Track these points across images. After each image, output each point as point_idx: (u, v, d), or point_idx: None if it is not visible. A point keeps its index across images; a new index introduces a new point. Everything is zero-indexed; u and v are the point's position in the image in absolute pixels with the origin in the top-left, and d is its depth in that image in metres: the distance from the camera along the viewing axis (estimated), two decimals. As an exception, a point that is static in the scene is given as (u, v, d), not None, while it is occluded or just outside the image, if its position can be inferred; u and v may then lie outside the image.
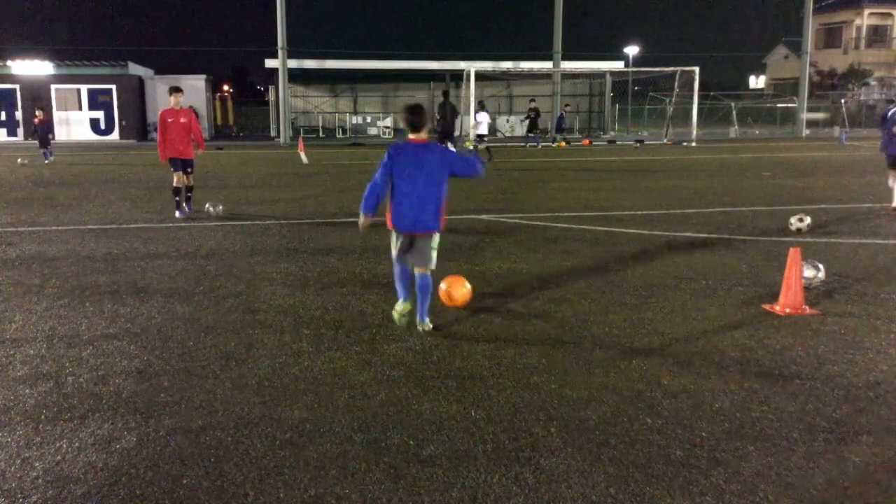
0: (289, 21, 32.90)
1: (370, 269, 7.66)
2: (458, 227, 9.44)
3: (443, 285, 6.01)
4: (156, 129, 38.47)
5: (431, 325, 5.54)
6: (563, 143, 31.34)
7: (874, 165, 20.51)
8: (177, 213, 11.36)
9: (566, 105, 35.52)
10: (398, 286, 5.60)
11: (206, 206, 11.55)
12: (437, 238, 5.49)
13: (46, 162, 22.29)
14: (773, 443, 3.74)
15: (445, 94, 20.44)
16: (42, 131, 23.03)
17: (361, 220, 5.59)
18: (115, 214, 11.66)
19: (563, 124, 32.76)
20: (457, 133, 29.49)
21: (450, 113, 19.12)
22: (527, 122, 29.79)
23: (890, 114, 11.65)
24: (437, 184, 5.33)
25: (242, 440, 3.78)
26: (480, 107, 25.51)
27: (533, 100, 30.68)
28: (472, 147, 12.79)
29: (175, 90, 11.51)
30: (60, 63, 36.20)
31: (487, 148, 22.94)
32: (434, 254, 5.48)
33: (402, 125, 5.60)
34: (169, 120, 11.40)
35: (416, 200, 5.31)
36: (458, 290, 6.00)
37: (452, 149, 22.74)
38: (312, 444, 3.73)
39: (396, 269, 5.61)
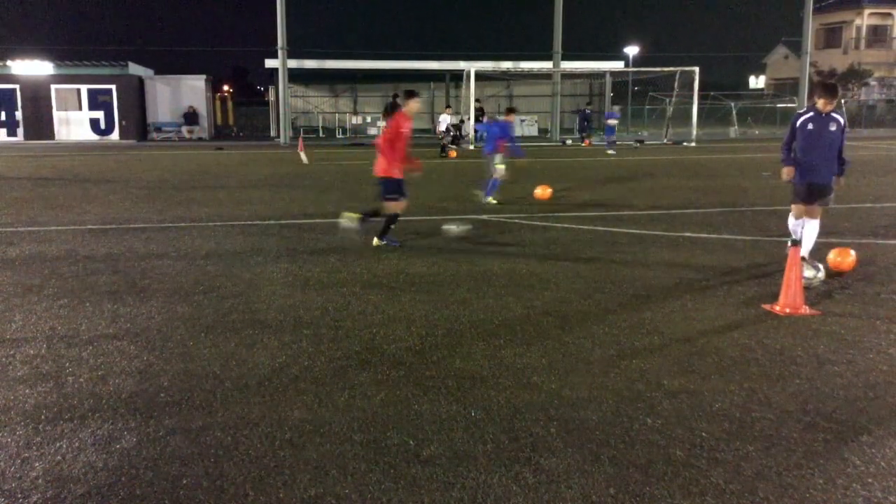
0: (289, 21, 32.87)
1: (370, 269, 7.66)
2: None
3: (831, 255, 7.43)
4: (157, 130, 38.13)
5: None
6: (588, 142, 31.43)
7: (874, 165, 20.50)
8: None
9: (589, 104, 35.70)
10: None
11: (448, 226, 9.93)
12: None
13: None
14: (773, 443, 3.74)
15: (395, 96, 24.64)
16: None
17: None
18: (115, 214, 11.66)
19: (588, 123, 32.93)
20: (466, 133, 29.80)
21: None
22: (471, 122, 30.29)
23: None
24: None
25: (242, 440, 3.78)
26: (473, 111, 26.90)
27: (478, 100, 31.29)
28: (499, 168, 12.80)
29: (413, 94, 9.02)
30: (60, 63, 36.17)
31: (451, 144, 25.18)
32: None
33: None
34: (404, 130, 8.86)
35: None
36: (845, 258, 7.42)
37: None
38: (312, 444, 3.73)
39: None
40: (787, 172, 7.69)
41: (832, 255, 7.49)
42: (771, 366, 4.84)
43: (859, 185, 15.19)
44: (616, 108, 31.25)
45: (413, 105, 8.87)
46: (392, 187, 8.73)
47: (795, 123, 7.64)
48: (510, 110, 13.62)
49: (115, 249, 8.79)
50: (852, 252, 7.46)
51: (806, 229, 7.58)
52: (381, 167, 8.76)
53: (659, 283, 7.01)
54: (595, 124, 34.83)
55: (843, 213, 11.24)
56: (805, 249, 7.37)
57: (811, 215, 7.58)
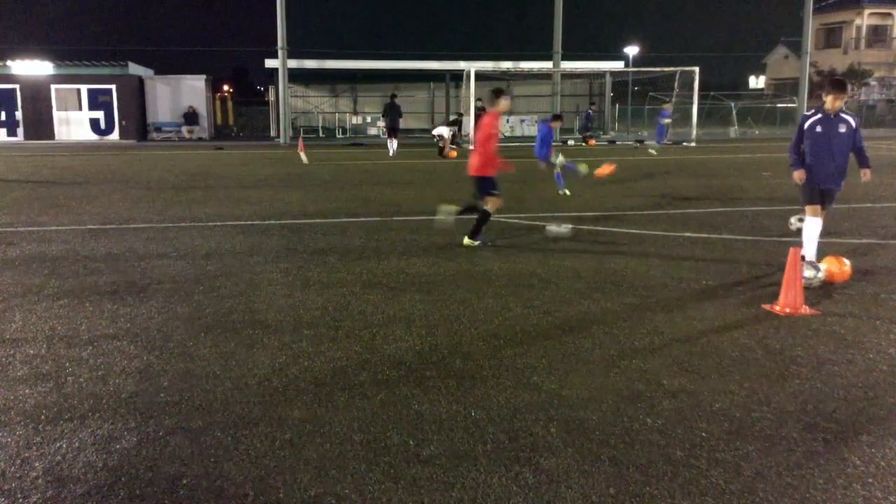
0: (289, 21, 32.88)
1: (370, 269, 7.66)
2: (458, 227, 9.43)
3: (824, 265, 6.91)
4: (157, 130, 38.16)
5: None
6: (593, 142, 31.48)
7: (874, 166, 20.49)
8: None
9: (593, 104, 35.71)
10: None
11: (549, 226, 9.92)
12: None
13: None
14: (773, 443, 3.74)
15: (393, 96, 26.99)
16: None
17: None
18: (115, 214, 11.66)
19: (590, 124, 33.03)
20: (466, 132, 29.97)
21: (394, 112, 25.99)
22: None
23: None
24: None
25: (242, 440, 3.78)
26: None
27: (479, 99, 31.64)
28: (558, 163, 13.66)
29: (502, 92, 8.95)
30: (60, 63, 36.18)
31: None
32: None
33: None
34: (494, 130, 8.85)
35: None
36: (840, 267, 6.98)
37: (395, 142, 26.22)
38: (312, 444, 3.73)
39: None
40: (797, 176, 7.38)
41: (827, 265, 6.98)
42: (771, 366, 4.84)
43: (859, 184, 15.17)
44: (668, 105, 29.79)
45: (503, 103, 8.83)
46: (488, 185, 8.81)
47: (803, 125, 7.35)
48: (556, 117, 14.51)
49: (115, 249, 8.79)
50: (847, 262, 7.04)
51: (808, 226, 7.35)
52: (475, 166, 8.84)
53: (659, 283, 7.01)
54: (596, 124, 34.93)
55: (843, 213, 11.24)
56: (810, 252, 7.22)
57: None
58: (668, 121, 27.25)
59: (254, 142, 36.02)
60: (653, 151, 25.71)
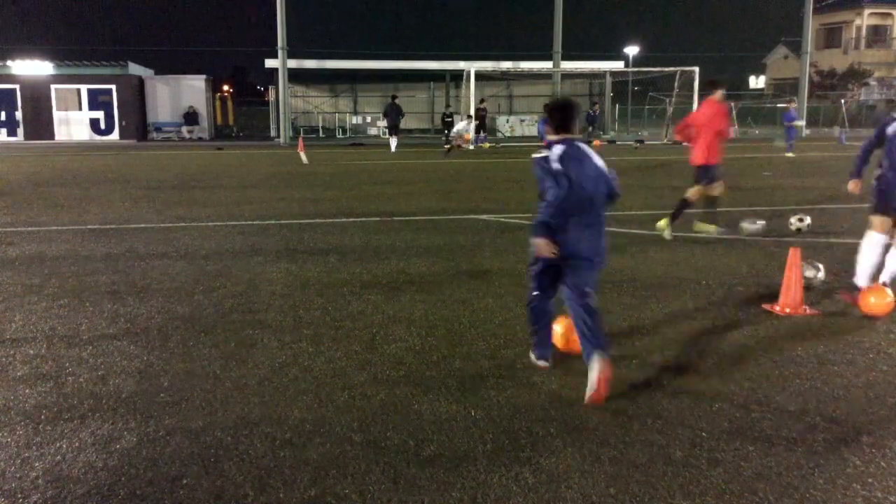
0: (289, 21, 32.89)
1: (370, 269, 7.66)
2: (458, 227, 9.44)
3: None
4: (157, 130, 38.21)
5: None
6: (598, 142, 31.51)
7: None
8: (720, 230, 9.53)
9: (594, 104, 35.71)
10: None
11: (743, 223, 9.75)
12: None
13: None
14: (773, 443, 3.74)
15: (393, 97, 28.66)
16: None
17: None
18: (115, 214, 11.66)
19: (594, 124, 33.09)
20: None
21: (394, 112, 27.65)
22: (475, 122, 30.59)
23: None
24: None
25: (242, 440, 3.78)
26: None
27: (482, 100, 31.95)
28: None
29: (717, 83, 9.42)
30: (60, 63, 36.21)
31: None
32: None
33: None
34: (717, 119, 9.19)
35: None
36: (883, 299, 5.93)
37: (395, 140, 27.50)
38: (312, 444, 3.73)
39: None
40: (852, 187, 6.62)
41: (865, 297, 6.06)
42: (771, 366, 4.84)
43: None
44: (793, 105, 28.88)
45: (719, 93, 9.34)
46: (712, 173, 9.23)
47: (884, 131, 6.30)
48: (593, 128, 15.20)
49: (115, 249, 8.79)
50: (890, 293, 6.00)
51: (867, 244, 6.27)
52: (701, 155, 9.23)
53: (659, 283, 7.01)
54: (597, 124, 34.94)
55: (843, 213, 11.24)
56: (863, 276, 6.29)
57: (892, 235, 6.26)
58: (800, 123, 26.14)
59: (254, 142, 36.03)
60: (790, 154, 23.94)
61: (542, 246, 4.31)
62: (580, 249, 4.38)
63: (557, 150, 4.38)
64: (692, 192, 9.39)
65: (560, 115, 4.54)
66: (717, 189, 9.42)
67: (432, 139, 35.95)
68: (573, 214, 4.31)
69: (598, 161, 4.51)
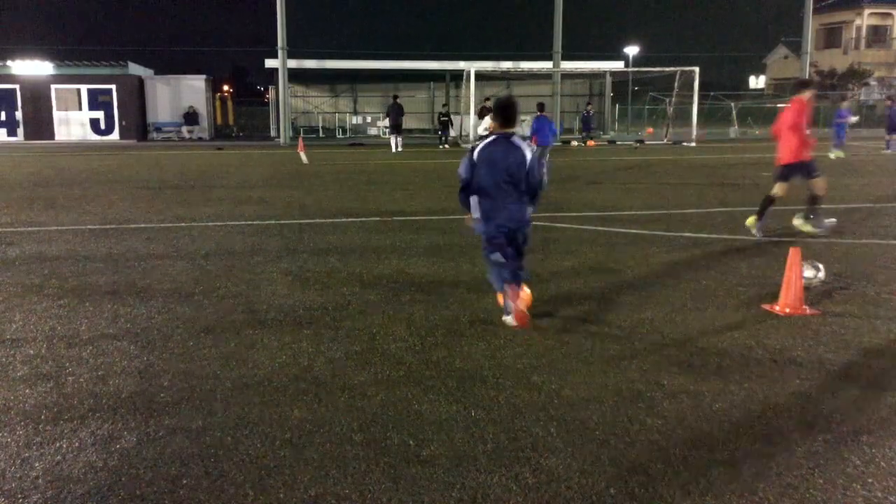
0: (289, 21, 32.89)
1: (370, 269, 7.66)
2: (458, 227, 9.44)
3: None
4: (157, 130, 38.18)
5: None
6: (592, 143, 31.51)
7: (874, 165, 20.50)
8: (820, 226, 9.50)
9: (589, 104, 35.77)
10: None
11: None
12: None
13: None
14: (773, 443, 3.74)
15: (395, 97, 29.42)
16: None
17: None
18: (115, 214, 11.66)
19: (591, 124, 33.10)
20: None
21: (395, 112, 28.23)
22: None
23: None
24: None
25: (242, 440, 3.78)
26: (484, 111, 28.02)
27: (487, 98, 31.71)
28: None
29: (806, 84, 9.88)
30: (60, 63, 36.22)
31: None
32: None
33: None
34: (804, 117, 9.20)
35: None
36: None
37: (398, 140, 27.78)
38: (312, 444, 3.73)
39: None
40: None
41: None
42: (771, 366, 4.84)
43: (859, 185, 15.19)
44: (846, 104, 27.60)
45: (808, 93, 9.32)
46: (810, 168, 9.16)
47: None
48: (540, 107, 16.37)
49: (115, 249, 8.79)
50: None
51: None
52: (792, 154, 9.06)
53: (659, 283, 7.01)
54: (595, 124, 35.00)
55: (843, 213, 11.24)
56: None
57: None
58: (854, 119, 24.99)
59: (254, 142, 36.03)
60: (839, 154, 22.66)
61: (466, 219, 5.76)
62: (494, 218, 5.53)
63: (486, 142, 5.43)
64: (778, 189, 9.26)
65: (506, 113, 5.48)
66: (820, 186, 9.26)
67: (432, 139, 35.96)
68: (485, 194, 5.46)
69: (523, 155, 5.37)
